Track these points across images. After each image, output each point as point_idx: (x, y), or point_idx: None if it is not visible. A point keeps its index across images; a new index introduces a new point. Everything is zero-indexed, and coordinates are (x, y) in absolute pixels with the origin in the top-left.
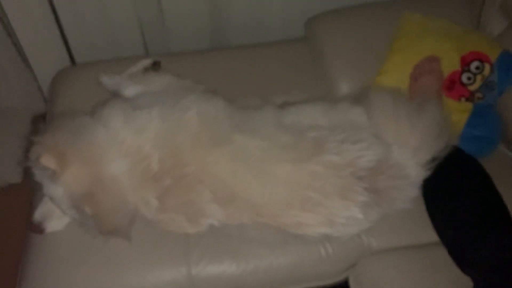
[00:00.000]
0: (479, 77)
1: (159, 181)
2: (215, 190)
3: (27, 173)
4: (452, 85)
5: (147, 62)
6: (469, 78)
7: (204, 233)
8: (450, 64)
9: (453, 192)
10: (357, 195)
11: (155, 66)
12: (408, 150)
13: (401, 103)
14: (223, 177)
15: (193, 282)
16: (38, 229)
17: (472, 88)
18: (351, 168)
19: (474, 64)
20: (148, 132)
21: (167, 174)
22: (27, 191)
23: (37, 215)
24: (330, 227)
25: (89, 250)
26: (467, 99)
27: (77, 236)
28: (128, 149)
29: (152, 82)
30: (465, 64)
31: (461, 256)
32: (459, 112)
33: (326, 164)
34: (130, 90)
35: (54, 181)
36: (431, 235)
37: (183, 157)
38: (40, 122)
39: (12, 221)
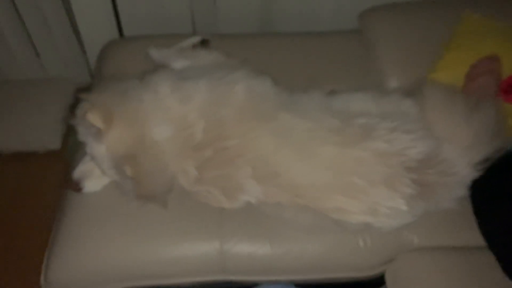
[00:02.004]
0: None
1: (200, 151)
2: (255, 166)
3: (65, 140)
4: (510, 88)
5: (196, 39)
6: None
7: (240, 209)
8: (509, 67)
9: (503, 196)
10: (403, 186)
11: (204, 44)
12: (460, 148)
13: (457, 99)
14: (265, 153)
15: (224, 257)
16: (76, 187)
17: None
18: (399, 158)
19: None
20: (194, 102)
21: (209, 145)
22: (65, 158)
23: (77, 173)
24: (372, 217)
25: (124, 214)
26: None
27: (114, 199)
28: (173, 116)
29: (200, 57)
30: None
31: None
32: None
33: (374, 151)
34: (178, 64)
35: (98, 139)
36: (476, 238)
37: (226, 130)
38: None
39: (49, 185)
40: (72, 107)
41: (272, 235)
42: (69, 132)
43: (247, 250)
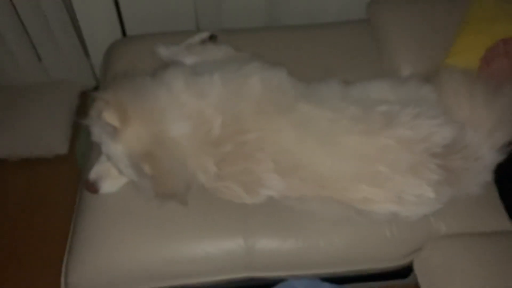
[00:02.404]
0: None
1: (219, 146)
2: (277, 159)
3: (73, 143)
4: None
5: (204, 35)
6: None
7: (262, 204)
8: None
9: None
10: (430, 172)
11: (212, 40)
12: (483, 132)
13: (476, 83)
14: (286, 145)
15: (249, 254)
16: (93, 188)
17: None
18: (425, 144)
19: None
20: (210, 96)
21: (228, 139)
22: (73, 162)
23: (93, 174)
24: (399, 205)
25: (143, 214)
26: None
27: (132, 199)
28: (190, 112)
29: (210, 53)
30: None
31: None
32: None
33: (398, 138)
34: (188, 60)
35: (114, 138)
36: (505, 223)
37: (245, 124)
38: (88, 96)
39: (59, 190)
40: (78, 110)
41: (297, 229)
42: (77, 135)
43: (272, 246)
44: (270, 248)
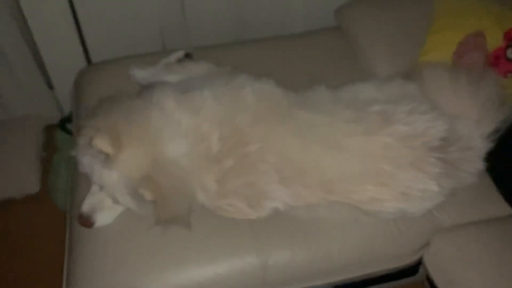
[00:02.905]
0: None
1: (220, 162)
2: (280, 168)
3: (44, 181)
4: (497, 61)
5: (179, 54)
6: None
7: (269, 217)
8: (493, 41)
9: None
10: (431, 166)
11: (188, 58)
12: (472, 122)
13: (459, 76)
14: (289, 153)
15: (264, 270)
16: (88, 222)
17: None
18: (423, 139)
19: None
20: (204, 111)
21: (228, 154)
22: (48, 200)
23: (86, 207)
24: (405, 202)
25: (146, 243)
26: None
27: (131, 229)
28: (186, 130)
29: (191, 70)
30: (509, 39)
31: None
32: (507, 89)
33: (397, 135)
34: (170, 78)
35: (108, 166)
36: (505, 208)
37: (244, 135)
38: (52, 131)
39: (36, 231)
40: (45, 145)
41: (307, 238)
42: (48, 171)
43: (285, 259)
44: (284, 261)
